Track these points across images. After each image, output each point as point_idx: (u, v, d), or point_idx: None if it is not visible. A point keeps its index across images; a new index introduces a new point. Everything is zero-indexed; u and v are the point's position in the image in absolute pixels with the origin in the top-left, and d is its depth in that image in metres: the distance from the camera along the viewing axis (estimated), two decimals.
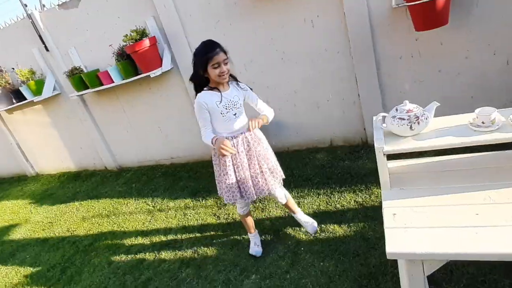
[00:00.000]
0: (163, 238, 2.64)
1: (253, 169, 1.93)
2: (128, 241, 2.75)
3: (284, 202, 2.13)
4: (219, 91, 1.81)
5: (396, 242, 1.20)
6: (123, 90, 3.69)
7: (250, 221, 2.20)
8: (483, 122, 1.29)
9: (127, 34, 2.99)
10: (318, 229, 2.20)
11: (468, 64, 2.48)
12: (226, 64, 1.73)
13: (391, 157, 1.70)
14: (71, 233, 3.17)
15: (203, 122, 1.83)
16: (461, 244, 1.13)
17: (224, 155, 1.71)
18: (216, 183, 2.04)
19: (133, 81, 3.36)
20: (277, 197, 2.08)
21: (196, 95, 1.84)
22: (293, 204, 2.20)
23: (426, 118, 1.38)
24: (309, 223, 2.20)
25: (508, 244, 1.08)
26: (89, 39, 3.54)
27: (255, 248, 2.18)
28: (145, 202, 3.30)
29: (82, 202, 3.72)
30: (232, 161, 1.90)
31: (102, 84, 3.45)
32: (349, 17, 2.57)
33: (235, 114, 1.84)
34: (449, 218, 1.23)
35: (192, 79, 1.83)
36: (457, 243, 1.14)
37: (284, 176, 2.10)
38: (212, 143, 1.76)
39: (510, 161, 1.43)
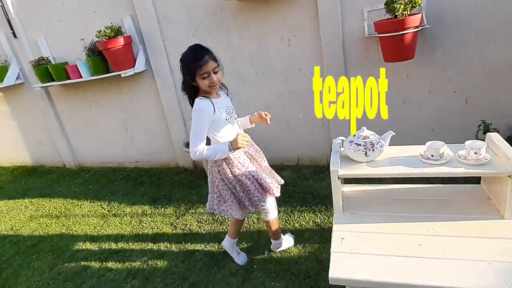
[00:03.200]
0: (113, 245, 2.51)
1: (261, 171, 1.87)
2: (75, 246, 2.58)
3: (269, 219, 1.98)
4: (210, 100, 1.64)
5: (340, 267, 1.19)
6: (91, 87, 3.55)
7: (240, 224, 2.10)
8: (432, 155, 1.33)
9: (100, 30, 2.90)
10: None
11: (431, 98, 2.60)
12: (216, 73, 1.57)
13: (347, 181, 1.72)
14: (15, 232, 2.94)
15: (200, 135, 1.60)
16: (401, 274, 1.14)
17: (244, 146, 1.67)
18: (221, 201, 1.89)
19: (102, 78, 3.25)
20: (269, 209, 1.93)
21: (192, 105, 1.67)
22: (274, 226, 2.03)
23: (381, 146, 1.41)
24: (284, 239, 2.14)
25: (444, 277, 1.10)
26: (61, 30, 3.41)
27: (241, 256, 2.13)
28: (100, 205, 3.14)
29: (32, 200, 3.49)
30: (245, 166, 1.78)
31: (69, 78, 3.31)
32: (325, 41, 2.64)
33: (236, 119, 1.80)
34: (393, 246, 1.24)
35: (184, 89, 1.67)
36: (398, 272, 1.15)
37: (282, 181, 2.03)
38: (230, 148, 1.63)
39: (453, 195, 1.48)
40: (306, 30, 2.69)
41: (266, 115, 1.82)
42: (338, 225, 1.41)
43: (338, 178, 1.40)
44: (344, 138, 1.52)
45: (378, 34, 2.33)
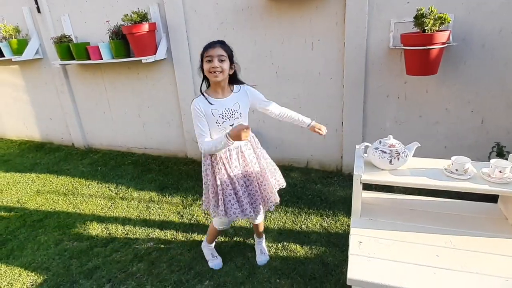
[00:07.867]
0: (120, 228, 2.52)
1: (255, 182, 1.82)
2: (81, 224, 2.60)
3: (257, 222, 2.00)
4: (213, 97, 1.64)
5: (358, 269, 1.21)
6: (109, 69, 3.57)
7: (217, 234, 2.09)
8: (456, 170, 1.36)
9: (127, 14, 2.92)
10: (266, 263, 2.09)
11: (447, 115, 2.62)
12: (221, 61, 1.54)
13: (365, 187, 1.74)
14: (21, 205, 2.96)
15: (200, 130, 1.63)
16: (419, 282, 1.16)
17: (246, 138, 1.53)
18: (205, 197, 1.92)
19: (122, 62, 3.27)
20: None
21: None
22: (262, 227, 2.08)
23: (406, 156, 1.44)
24: (264, 254, 2.12)
25: None
26: (86, 10, 3.42)
27: (215, 260, 2.10)
28: (108, 187, 3.16)
29: (40, 175, 3.50)
30: (230, 173, 1.74)
31: (89, 58, 3.33)
32: (348, 48, 2.66)
33: (232, 125, 1.64)
34: (411, 255, 1.27)
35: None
36: (415, 280, 1.17)
37: (283, 184, 2.00)
38: (227, 138, 1.54)
39: (470, 211, 1.51)
40: (331, 36, 2.72)
41: (321, 132, 1.86)
42: (356, 229, 1.43)
43: (360, 182, 1.42)
44: (369, 144, 1.54)
45: (404, 46, 2.35)
